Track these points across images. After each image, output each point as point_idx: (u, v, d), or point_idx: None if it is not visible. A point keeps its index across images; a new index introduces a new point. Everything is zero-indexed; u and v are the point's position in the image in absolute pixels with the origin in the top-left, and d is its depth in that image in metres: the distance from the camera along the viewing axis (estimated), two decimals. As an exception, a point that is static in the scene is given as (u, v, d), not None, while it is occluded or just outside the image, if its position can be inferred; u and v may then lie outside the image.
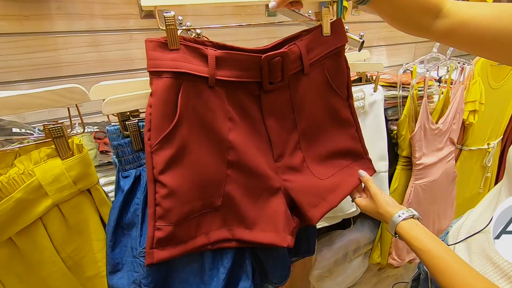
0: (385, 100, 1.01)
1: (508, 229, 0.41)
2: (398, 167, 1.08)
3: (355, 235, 1.10)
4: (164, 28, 0.49)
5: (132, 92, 0.57)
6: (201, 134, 0.53)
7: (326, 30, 0.61)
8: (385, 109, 1.04)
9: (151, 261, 0.51)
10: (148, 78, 0.55)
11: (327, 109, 0.65)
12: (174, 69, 0.49)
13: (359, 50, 0.78)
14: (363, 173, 0.65)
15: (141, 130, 0.56)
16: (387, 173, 1.03)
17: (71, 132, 0.49)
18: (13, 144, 0.48)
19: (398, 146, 1.06)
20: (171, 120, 0.50)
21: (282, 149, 0.61)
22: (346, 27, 0.78)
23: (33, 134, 0.59)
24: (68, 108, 0.51)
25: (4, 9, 0.72)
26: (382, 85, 1.03)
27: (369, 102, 0.93)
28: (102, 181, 0.62)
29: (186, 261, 0.61)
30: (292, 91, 0.60)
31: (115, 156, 0.55)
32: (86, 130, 0.71)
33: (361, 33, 0.77)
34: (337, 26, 0.62)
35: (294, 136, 0.63)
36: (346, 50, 1.10)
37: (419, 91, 1.01)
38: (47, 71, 0.80)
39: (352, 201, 0.67)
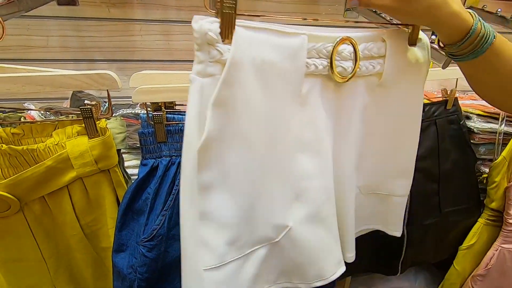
0: (478, 133, 0.80)
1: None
2: (481, 220, 0.84)
3: (402, 285, 0.92)
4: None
5: (169, 84, 0.58)
6: None
7: None
8: (477, 145, 0.82)
9: None
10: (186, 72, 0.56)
11: None
12: None
13: (444, 67, 0.62)
14: None
15: (166, 122, 0.56)
16: (405, 198, 0.57)
17: (100, 114, 0.52)
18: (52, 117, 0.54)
19: (486, 195, 0.83)
20: None
21: None
22: (434, 36, 0.64)
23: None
24: (108, 92, 0.55)
25: (97, -3, 0.83)
26: (479, 115, 0.81)
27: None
28: (133, 162, 0.66)
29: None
30: None
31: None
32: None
33: (449, 46, 0.60)
34: None
35: None
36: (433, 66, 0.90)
37: (533, 129, 0.75)
38: (123, 53, 0.89)
39: None
